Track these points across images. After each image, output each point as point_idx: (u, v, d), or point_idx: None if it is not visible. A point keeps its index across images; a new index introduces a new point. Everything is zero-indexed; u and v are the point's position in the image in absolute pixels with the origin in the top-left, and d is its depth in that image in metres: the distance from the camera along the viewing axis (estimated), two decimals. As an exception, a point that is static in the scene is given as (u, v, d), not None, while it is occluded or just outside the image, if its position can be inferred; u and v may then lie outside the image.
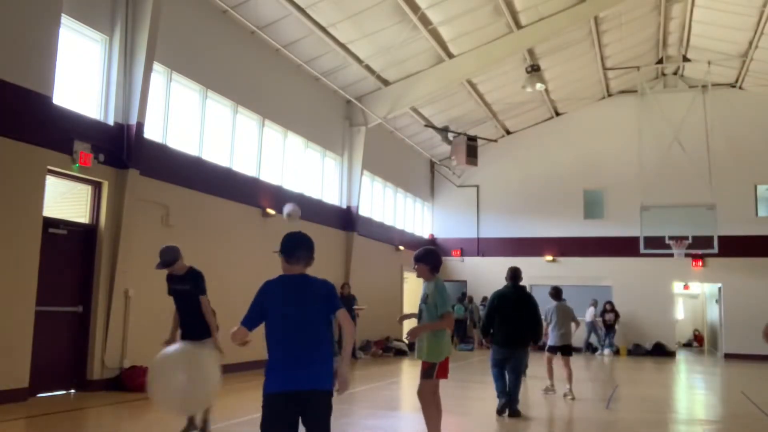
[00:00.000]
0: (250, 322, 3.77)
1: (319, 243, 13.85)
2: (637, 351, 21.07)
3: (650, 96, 20.48)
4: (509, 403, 8.33)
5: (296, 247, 3.92)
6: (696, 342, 26.46)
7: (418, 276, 5.91)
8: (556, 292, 10.72)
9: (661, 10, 17.18)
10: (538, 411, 9.46)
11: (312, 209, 15.81)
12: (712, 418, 9.38)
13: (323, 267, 16.12)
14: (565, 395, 10.24)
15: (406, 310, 21.77)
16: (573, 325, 10.69)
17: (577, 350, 20.55)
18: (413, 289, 22.65)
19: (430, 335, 5.73)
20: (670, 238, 18.55)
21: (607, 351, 20.58)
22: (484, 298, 16.36)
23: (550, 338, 10.63)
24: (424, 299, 5.81)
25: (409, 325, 7.76)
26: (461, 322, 21.16)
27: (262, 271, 12.95)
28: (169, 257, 6.35)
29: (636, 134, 19.52)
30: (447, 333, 5.89)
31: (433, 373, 5.70)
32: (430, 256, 5.88)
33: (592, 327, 21.01)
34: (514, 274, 8.74)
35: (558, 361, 10.55)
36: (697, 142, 19.83)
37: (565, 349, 10.51)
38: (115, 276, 9.67)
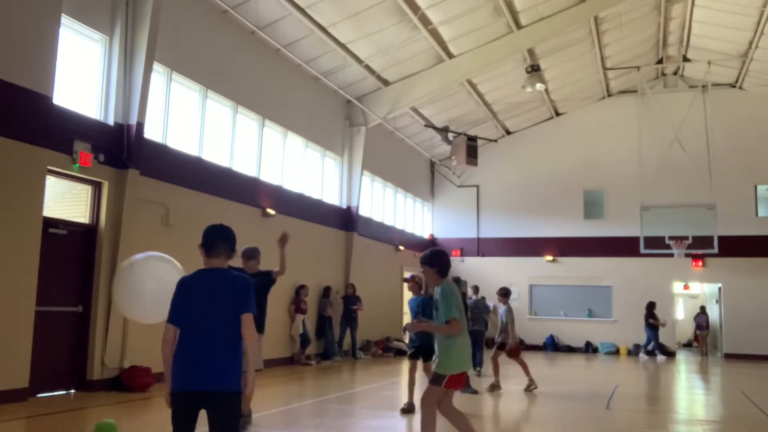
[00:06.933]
0: (173, 316, 3.64)
1: (319, 243, 13.78)
2: (637, 351, 21.07)
3: (650, 96, 20.49)
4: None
5: (213, 237, 3.76)
6: (696, 342, 26.45)
7: (426, 281, 5.50)
8: (506, 293, 11.62)
9: (661, 10, 17.18)
10: (537, 411, 9.46)
11: (312, 209, 15.82)
12: (712, 418, 9.37)
13: (323, 267, 16.21)
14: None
15: (406, 309, 21.78)
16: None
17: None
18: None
19: (442, 346, 5.22)
20: (670, 238, 18.56)
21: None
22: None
23: (504, 336, 11.44)
24: (435, 305, 5.32)
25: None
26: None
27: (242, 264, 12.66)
28: (247, 251, 7.13)
29: (636, 134, 19.53)
30: (461, 344, 5.23)
31: (441, 382, 5.20)
32: (437, 259, 5.38)
33: None
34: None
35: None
36: (697, 142, 19.84)
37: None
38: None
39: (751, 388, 12.67)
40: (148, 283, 4.14)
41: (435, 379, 5.25)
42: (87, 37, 9.75)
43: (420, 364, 8.61)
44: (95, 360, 9.44)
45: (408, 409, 8.34)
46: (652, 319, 19.85)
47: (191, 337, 3.59)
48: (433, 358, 5.48)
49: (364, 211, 18.52)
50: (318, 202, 16.24)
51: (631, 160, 20.62)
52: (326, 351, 15.89)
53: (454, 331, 5.15)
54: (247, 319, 3.64)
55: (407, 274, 9.17)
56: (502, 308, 11.59)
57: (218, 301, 3.63)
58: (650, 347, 20.09)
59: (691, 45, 19.22)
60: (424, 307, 8.40)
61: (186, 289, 3.68)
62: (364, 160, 17.70)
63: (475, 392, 10.40)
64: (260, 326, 7.29)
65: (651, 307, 20.03)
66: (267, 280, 7.30)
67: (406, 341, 8.99)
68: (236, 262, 7.17)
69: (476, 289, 14.65)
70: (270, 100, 14.11)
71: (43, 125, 8.43)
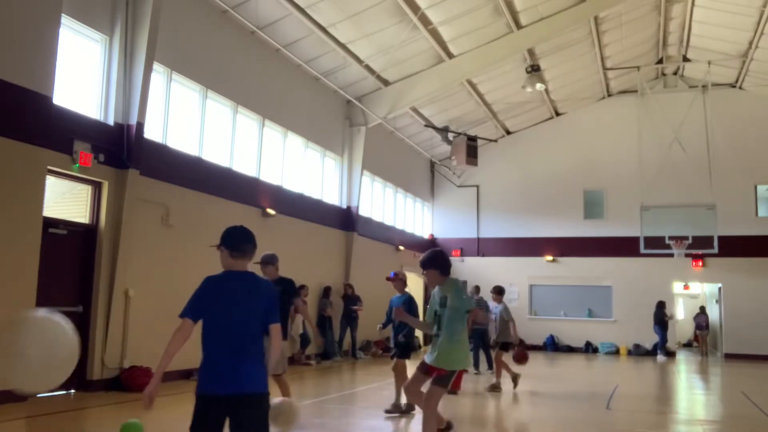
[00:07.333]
0: (194, 313, 3.58)
1: (319, 243, 13.70)
2: (637, 351, 21.09)
3: (650, 96, 20.48)
4: None
5: (243, 240, 3.77)
6: (696, 342, 26.44)
7: (429, 283, 5.53)
8: (501, 291, 11.76)
9: (661, 10, 17.18)
10: (537, 411, 9.46)
11: (312, 209, 15.82)
12: (712, 418, 9.38)
13: (324, 267, 16.21)
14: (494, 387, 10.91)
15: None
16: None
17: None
18: (413, 289, 22.60)
19: (447, 343, 5.27)
20: (670, 238, 18.55)
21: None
22: None
23: (501, 335, 11.49)
24: (442, 303, 5.36)
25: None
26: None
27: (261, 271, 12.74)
28: (267, 257, 7.10)
29: (636, 134, 19.53)
30: (464, 341, 5.41)
31: (449, 383, 5.28)
32: (437, 260, 5.46)
33: None
34: None
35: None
36: (697, 142, 19.84)
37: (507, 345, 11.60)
38: (115, 276, 9.67)
39: (751, 388, 12.67)
40: (32, 348, 3.78)
41: (441, 380, 5.26)
42: (87, 37, 9.75)
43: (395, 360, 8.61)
44: (95, 360, 9.43)
45: (407, 410, 8.34)
46: (665, 317, 19.98)
47: (220, 339, 3.55)
48: (432, 357, 5.37)
49: (364, 211, 18.51)
50: (318, 202, 16.24)
51: (631, 160, 20.62)
52: (326, 351, 15.89)
53: (479, 317, 5.38)
54: (276, 330, 3.75)
55: (389, 273, 9.03)
56: (497, 307, 11.58)
57: (246, 304, 3.64)
58: (657, 346, 20.19)
59: (691, 45, 19.22)
60: (410, 306, 8.38)
61: (214, 288, 3.65)
62: (364, 160, 17.69)
63: (454, 393, 10.32)
64: (282, 332, 7.35)
65: (662, 306, 20.12)
66: (290, 288, 7.33)
67: (390, 343, 8.81)
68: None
69: (477, 289, 14.73)
70: (270, 100, 14.10)
71: (43, 125, 8.42)
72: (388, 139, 20.18)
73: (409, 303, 8.42)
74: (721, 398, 11.97)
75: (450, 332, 5.27)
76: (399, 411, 8.18)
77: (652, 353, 20.78)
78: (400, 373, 8.44)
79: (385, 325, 8.82)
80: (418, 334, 21.29)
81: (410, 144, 21.72)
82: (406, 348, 8.51)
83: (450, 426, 6.60)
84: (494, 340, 11.69)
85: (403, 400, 8.24)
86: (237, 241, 3.76)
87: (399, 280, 8.63)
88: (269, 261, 7.17)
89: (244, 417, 3.48)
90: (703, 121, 19.64)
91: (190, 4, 11.69)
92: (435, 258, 5.46)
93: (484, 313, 10.52)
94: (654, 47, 19.71)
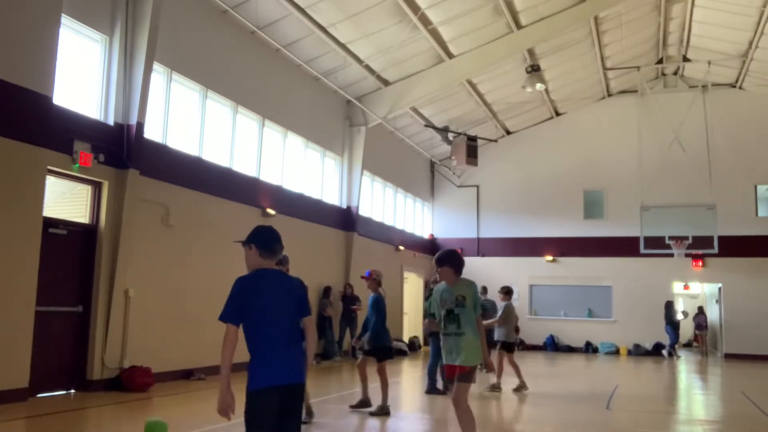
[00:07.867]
0: (235, 315, 3.70)
1: (319, 243, 13.68)
2: (637, 351, 21.09)
3: (650, 96, 20.49)
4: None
5: (275, 240, 3.93)
6: (696, 342, 26.45)
7: (441, 279, 5.71)
8: (508, 291, 11.77)
9: (661, 10, 17.18)
10: (537, 411, 9.46)
11: (312, 209, 15.82)
12: (712, 418, 9.38)
13: (323, 267, 16.20)
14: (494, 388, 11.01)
15: (406, 310, 21.78)
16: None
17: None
18: (413, 289, 22.64)
19: (474, 338, 5.50)
20: (670, 238, 18.57)
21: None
22: None
23: (501, 334, 11.51)
24: (458, 302, 5.51)
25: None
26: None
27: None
28: (283, 259, 6.96)
29: (636, 134, 19.54)
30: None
31: (472, 377, 5.44)
32: (454, 259, 5.67)
33: None
34: None
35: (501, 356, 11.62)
36: (697, 142, 19.85)
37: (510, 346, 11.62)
38: (115, 276, 9.67)
39: (751, 388, 12.67)
40: None
41: (465, 377, 5.42)
42: (87, 37, 9.75)
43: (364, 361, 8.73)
44: (95, 360, 9.44)
45: (359, 405, 8.50)
46: (675, 317, 20.18)
47: (273, 333, 3.73)
48: (461, 357, 5.45)
49: (364, 211, 18.51)
50: (318, 202, 16.24)
51: (631, 160, 20.63)
52: (326, 351, 15.88)
53: (482, 324, 5.66)
54: (310, 322, 4.06)
55: (364, 272, 9.16)
56: (500, 305, 11.68)
57: (287, 299, 3.85)
58: (669, 345, 20.29)
59: (691, 45, 19.22)
60: (378, 305, 8.59)
61: (251, 287, 3.77)
62: (364, 160, 17.69)
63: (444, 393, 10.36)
64: None
65: (670, 306, 20.20)
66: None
67: (365, 347, 8.87)
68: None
69: (485, 289, 14.83)
70: (270, 100, 14.11)
71: (43, 125, 8.42)
72: (388, 139, 20.18)
73: (377, 302, 8.65)
74: (721, 398, 11.97)
75: (473, 330, 5.52)
76: (385, 412, 8.29)
77: (652, 353, 20.79)
78: (375, 372, 8.57)
79: (362, 334, 8.91)
80: (418, 334, 21.30)
81: (410, 144, 21.73)
82: (376, 352, 8.58)
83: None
84: (495, 340, 11.70)
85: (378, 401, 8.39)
86: (270, 241, 3.93)
87: (373, 280, 8.80)
88: (281, 261, 7.24)
89: (291, 406, 3.72)
90: (703, 121, 19.64)
91: (190, 4, 11.70)
92: (452, 257, 5.70)
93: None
94: (654, 47, 19.71)
